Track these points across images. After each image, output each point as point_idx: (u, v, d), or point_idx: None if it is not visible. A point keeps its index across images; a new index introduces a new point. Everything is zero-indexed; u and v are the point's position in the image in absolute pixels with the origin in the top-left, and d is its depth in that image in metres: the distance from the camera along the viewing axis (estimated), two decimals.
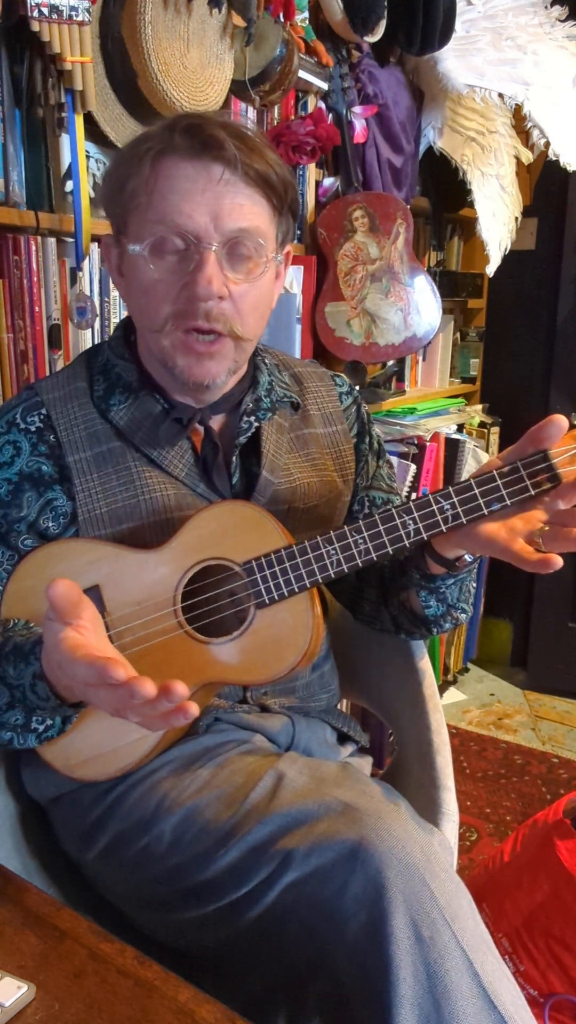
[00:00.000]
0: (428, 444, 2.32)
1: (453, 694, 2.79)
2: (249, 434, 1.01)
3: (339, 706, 1.18)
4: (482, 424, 2.75)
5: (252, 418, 1.01)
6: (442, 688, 2.76)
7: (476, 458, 2.53)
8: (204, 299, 0.88)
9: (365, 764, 1.14)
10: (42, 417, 0.96)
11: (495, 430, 2.79)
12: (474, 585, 1.04)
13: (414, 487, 2.24)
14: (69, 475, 0.95)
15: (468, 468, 2.50)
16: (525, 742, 2.49)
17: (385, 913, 0.74)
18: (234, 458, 1.01)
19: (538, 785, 2.26)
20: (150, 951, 0.87)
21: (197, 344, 0.91)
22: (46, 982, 0.65)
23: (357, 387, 1.19)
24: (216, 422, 1.01)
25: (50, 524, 0.95)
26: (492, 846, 1.99)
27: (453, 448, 2.49)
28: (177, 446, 0.98)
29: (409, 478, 2.19)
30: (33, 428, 0.96)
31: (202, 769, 0.92)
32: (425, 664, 1.20)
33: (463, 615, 1.04)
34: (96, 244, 1.43)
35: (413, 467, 2.21)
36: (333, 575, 0.88)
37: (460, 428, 2.61)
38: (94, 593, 0.92)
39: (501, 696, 2.79)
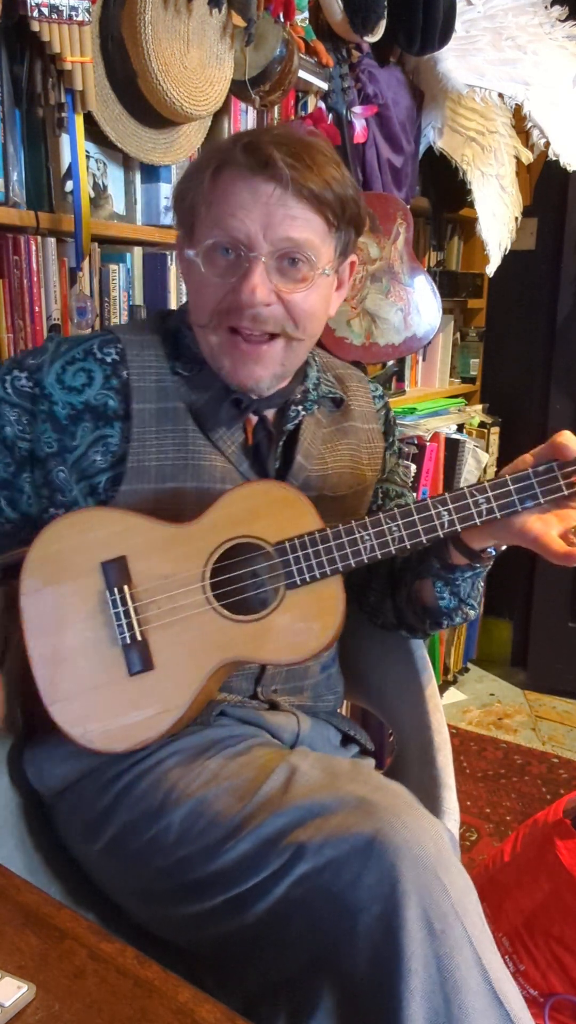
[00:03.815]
0: (428, 444, 2.32)
1: (453, 694, 2.79)
2: (296, 422, 1.04)
3: (339, 709, 1.18)
4: (482, 424, 2.75)
5: (300, 407, 1.05)
6: (442, 688, 2.76)
7: (476, 458, 2.53)
8: (248, 306, 0.92)
9: (367, 765, 1.15)
10: (119, 351, 0.99)
11: (495, 430, 2.79)
12: (482, 584, 1.06)
13: (414, 487, 2.24)
14: (132, 416, 0.97)
15: (468, 468, 2.50)
16: (525, 742, 2.49)
17: (398, 906, 0.75)
18: (280, 444, 1.04)
19: (538, 785, 2.26)
20: (152, 949, 0.87)
21: (243, 344, 0.94)
22: (46, 982, 0.65)
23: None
24: (269, 412, 1.05)
25: (97, 458, 0.97)
26: (492, 846, 1.99)
27: (453, 448, 2.49)
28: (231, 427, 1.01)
29: (409, 478, 2.19)
30: (109, 360, 0.99)
31: (210, 761, 0.92)
32: (425, 664, 1.21)
33: (472, 611, 1.06)
34: (96, 244, 1.43)
35: (413, 467, 2.21)
36: (366, 560, 0.91)
37: (460, 428, 2.61)
38: (120, 563, 0.93)
39: (501, 696, 2.79)
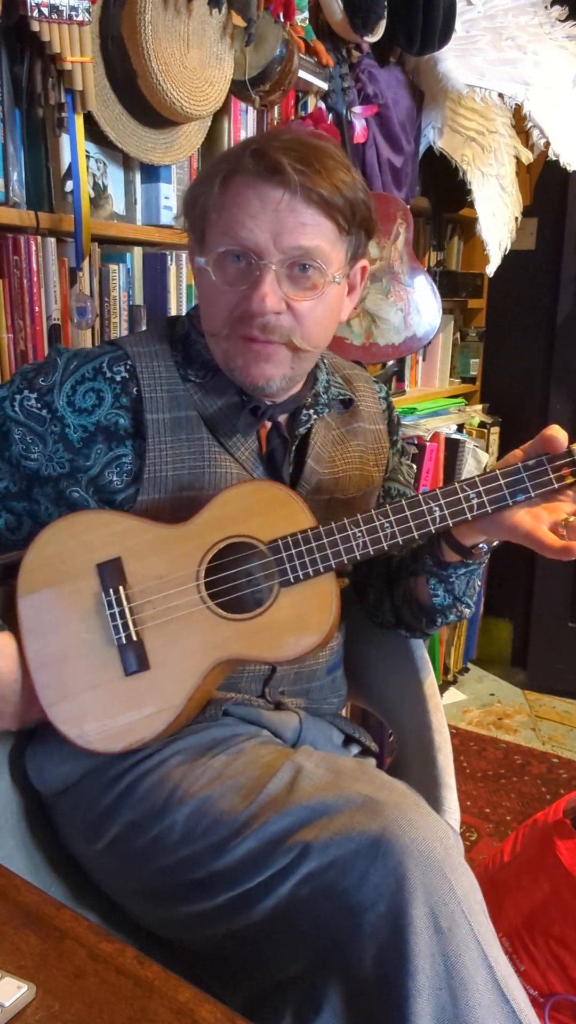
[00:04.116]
0: (428, 444, 2.32)
1: (453, 694, 2.79)
2: (308, 426, 1.05)
3: (341, 711, 1.19)
4: (482, 424, 2.75)
5: (311, 411, 1.06)
6: (442, 688, 2.76)
7: (476, 458, 2.53)
8: (258, 314, 0.92)
9: (371, 764, 1.15)
10: (128, 368, 0.99)
11: (495, 430, 2.79)
12: (479, 583, 1.07)
13: (414, 488, 2.24)
14: (144, 432, 0.97)
15: (468, 468, 2.50)
16: (525, 742, 2.49)
17: (405, 903, 0.75)
18: (293, 448, 1.05)
19: (538, 785, 2.26)
20: (152, 949, 0.87)
21: (255, 346, 0.94)
22: (46, 982, 0.65)
23: None
24: (282, 418, 1.06)
25: (114, 478, 0.98)
26: (492, 846, 1.99)
27: (453, 448, 2.49)
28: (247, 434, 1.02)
29: (412, 477, 2.20)
30: (118, 378, 0.99)
31: (214, 760, 0.92)
32: (425, 664, 1.21)
33: (467, 609, 1.07)
34: (96, 244, 1.43)
35: (413, 467, 2.21)
36: (359, 557, 0.91)
37: (460, 428, 2.61)
38: (115, 565, 0.93)
39: (501, 696, 2.79)
